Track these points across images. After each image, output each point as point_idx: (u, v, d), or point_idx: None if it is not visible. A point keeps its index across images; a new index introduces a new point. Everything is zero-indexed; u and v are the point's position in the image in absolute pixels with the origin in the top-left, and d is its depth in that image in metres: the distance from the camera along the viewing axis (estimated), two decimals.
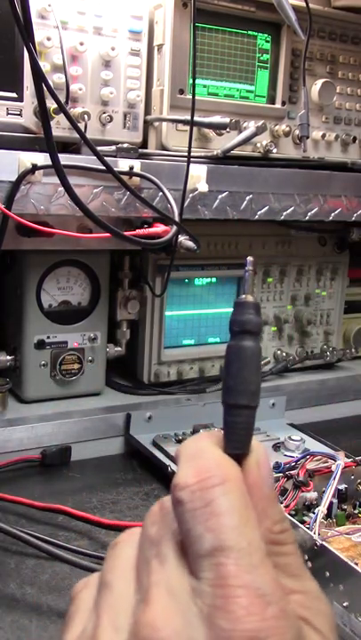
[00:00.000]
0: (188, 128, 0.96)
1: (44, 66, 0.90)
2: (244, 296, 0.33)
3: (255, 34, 1.08)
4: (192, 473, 0.29)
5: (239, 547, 0.27)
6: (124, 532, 0.33)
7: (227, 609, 0.26)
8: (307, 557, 0.71)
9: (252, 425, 0.32)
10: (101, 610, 0.30)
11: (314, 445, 1.04)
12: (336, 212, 1.15)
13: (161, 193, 0.96)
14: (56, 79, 0.93)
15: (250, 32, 1.07)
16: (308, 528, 0.72)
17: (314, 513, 0.76)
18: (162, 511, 0.31)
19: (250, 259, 0.36)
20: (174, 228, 0.97)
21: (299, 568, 0.30)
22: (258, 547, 0.28)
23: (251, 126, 1.05)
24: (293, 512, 0.80)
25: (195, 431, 1.04)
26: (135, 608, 0.28)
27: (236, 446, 0.31)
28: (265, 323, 1.26)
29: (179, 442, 1.03)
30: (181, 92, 1.02)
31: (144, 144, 1.04)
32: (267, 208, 1.08)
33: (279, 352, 1.30)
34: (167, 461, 0.97)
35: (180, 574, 0.28)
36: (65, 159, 0.86)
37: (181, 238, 1.00)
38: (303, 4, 1.04)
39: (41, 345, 1.06)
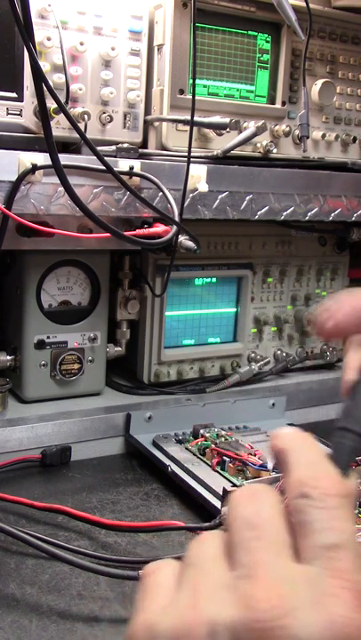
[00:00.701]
0: (188, 128, 0.97)
1: (44, 66, 0.90)
2: None
3: (255, 34, 1.08)
4: (322, 477, 0.32)
5: (354, 550, 0.30)
6: (205, 532, 0.35)
7: (343, 598, 0.28)
8: None
9: (355, 452, 0.36)
10: (195, 584, 0.31)
11: None
12: (336, 212, 1.15)
13: (161, 193, 0.96)
14: (56, 79, 0.93)
15: (250, 32, 1.07)
16: None
17: None
18: (255, 496, 0.33)
19: None
20: (174, 227, 0.97)
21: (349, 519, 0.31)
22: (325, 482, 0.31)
23: (251, 126, 1.05)
24: None
25: (195, 431, 1.04)
26: (236, 583, 0.29)
27: (340, 466, 0.34)
28: (265, 323, 1.26)
29: (179, 442, 1.03)
30: (181, 92, 1.02)
31: (144, 144, 1.04)
32: (267, 208, 1.08)
33: (279, 352, 1.30)
34: (167, 461, 0.97)
35: (286, 556, 0.30)
36: (65, 159, 0.86)
37: (181, 238, 1.00)
38: (303, 4, 1.04)
39: (41, 345, 1.06)
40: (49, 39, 0.91)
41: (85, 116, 0.94)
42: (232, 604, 0.29)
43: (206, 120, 1.02)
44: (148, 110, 1.04)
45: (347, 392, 0.39)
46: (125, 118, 1.01)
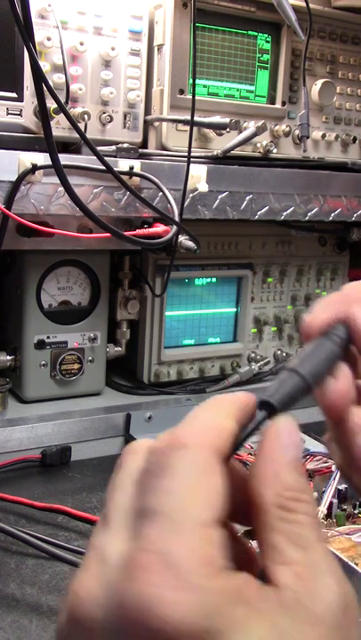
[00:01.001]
0: (188, 128, 0.96)
1: (44, 66, 0.90)
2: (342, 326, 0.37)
3: (255, 34, 1.08)
4: (165, 437, 0.30)
5: (165, 511, 0.27)
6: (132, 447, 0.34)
7: (143, 568, 0.26)
8: None
9: (297, 397, 0.34)
10: (106, 514, 0.30)
11: (314, 445, 1.04)
12: (336, 212, 1.15)
13: (161, 193, 0.96)
14: (56, 79, 0.93)
15: (250, 32, 1.07)
16: None
17: None
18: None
19: None
20: (174, 227, 0.97)
21: (308, 540, 0.29)
22: (191, 516, 0.27)
23: (251, 126, 1.05)
24: None
25: None
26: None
27: (273, 397, 0.33)
28: (265, 323, 1.26)
29: None
30: (181, 92, 1.02)
31: (144, 144, 1.04)
32: (267, 208, 1.08)
33: (279, 352, 1.30)
34: None
35: (125, 528, 0.28)
36: (65, 159, 0.86)
37: (181, 238, 1.00)
38: (303, 4, 1.04)
39: (41, 345, 1.06)
40: (49, 39, 0.91)
41: (85, 116, 0.94)
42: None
43: (206, 120, 1.02)
44: (148, 110, 1.04)
45: (306, 337, 0.37)
46: (125, 118, 1.01)
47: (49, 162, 0.82)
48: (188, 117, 0.96)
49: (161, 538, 0.26)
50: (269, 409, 0.33)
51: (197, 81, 1.04)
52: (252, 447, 0.99)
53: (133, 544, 0.27)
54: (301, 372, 0.34)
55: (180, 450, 0.29)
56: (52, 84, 0.84)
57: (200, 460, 0.29)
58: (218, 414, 0.32)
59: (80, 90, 0.96)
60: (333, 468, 0.83)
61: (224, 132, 1.03)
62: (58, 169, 0.82)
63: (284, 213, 1.10)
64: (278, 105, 1.12)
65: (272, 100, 1.12)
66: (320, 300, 0.38)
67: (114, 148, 0.96)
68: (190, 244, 1.00)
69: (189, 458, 0.29)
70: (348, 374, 0.37)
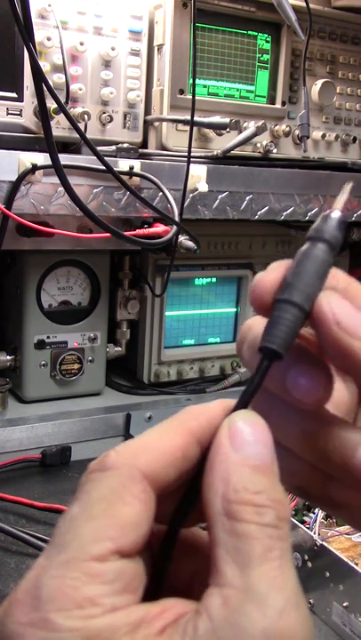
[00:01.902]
0: (188, 128, 0.96)
1: (44, 66, 0.90)
2: (329, 210, 0.32)
3: (255, 34, 1.08)
4: (100, 456, 0.28)
5: (59, 542, 0.25)
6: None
7: (17, 602, 0.24)
8: (307, 557, 0.71)
9: (296, 329, 0.29)
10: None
11: None
12: None
13: (161, 193, 0.96)
14: (56, 79, 0.93)
15: (250, 32, 1.07)
16: (308, 528, 0.72)
17: (314, 513, 0.76)
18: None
19: (350, 183, 0.35)
20: (174, 228, 0.97)
21: (250, 557, 0.25)
22: (81, 549, 0.25)
23: (251, 126, 1.05)
24: (293, 512, 0.80)
25: None
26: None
27: (272, 340, 0.28)
28: None
29: None
30: (181, 92, 1.02)
31: (144, 144, 1.04)
32: (267, 208, 1.08)
33: None
34: None
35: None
36: (65, 159, 0.86)
37: (181, 238, 1.00)
38: (303, 4, 1.04)
39: (41, 345, 1.06)
40: (49, 39, 0.91)
41: (85, 116, 0.94)
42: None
43: (206, 120, 1.01)
44: (148, 110, 1.04)
45: (258, 304, 0.31)
46: (125, 118, 1.01)
47: (49, 162, 0.82)
48: (188, 117, 0.96)
49: (43, 571, 0.25)
50: (273, 354, 0.28)
51: (197, 81, 1.04)
52: None
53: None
54: (295, 299, 0.29)
55: (99, 473, 0.27)
56: (52, 84, 0.84)
57: (113, 486, 0.27)
58: (162, 433, 0.29)
59: (80, 90, 0.96)
60: None
61: (224, 131, 1.03)
62: (58, 169, 0.82)
63: (284, 213, 1.10)
64: (278, 105, 1.12)
65: (272, 100, 1.12)
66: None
67: (114, 147, 0.96)
68: (190, 244, 1.00)
69: (104, 483, 0.27)
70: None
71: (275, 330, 0.28)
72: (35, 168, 0.86)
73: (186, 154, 0.96)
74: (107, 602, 0.24)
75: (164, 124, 1.02)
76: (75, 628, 0.23)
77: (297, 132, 1.12)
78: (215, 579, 0.25)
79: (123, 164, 0.94)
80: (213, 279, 1.20)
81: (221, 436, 0.28)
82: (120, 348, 1.17)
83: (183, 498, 0.29)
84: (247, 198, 1.05)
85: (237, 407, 0.29)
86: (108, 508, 0.26)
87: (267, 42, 1.09)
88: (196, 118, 0.96)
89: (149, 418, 1.07)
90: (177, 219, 0.96)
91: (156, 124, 1.03)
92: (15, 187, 0.86)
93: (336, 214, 0.32)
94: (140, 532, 0.26)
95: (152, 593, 0.28)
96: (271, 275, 0.32)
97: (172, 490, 0.29)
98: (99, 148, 0.87)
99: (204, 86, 1.05)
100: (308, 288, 0.30)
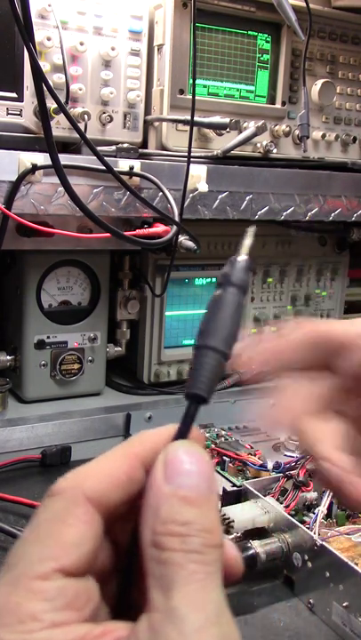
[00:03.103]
0: (188, 128, 0.96)
1: (44, 66, 0.90)
2: (235, 255, 0.34)
3: (255, 34, 1.08)
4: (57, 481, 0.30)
5: (10, 561, 0.28)
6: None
7: None
8: (307, 557, 0.71)
9: (217, 372, 0.31)
10: None
11: None
12: (336, 212, 1.15)
13: (161, 193, 0.96)
14: (56, 79, 0.93)
15: (250, 32, 1.07)
16: (308, 528, 0.72)
17: (314, 513, 0.76)
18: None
19: (252, 227, 0.37)
20: (174, 228, 0.97)
21: (172, 582, 0.26)
22: (26, 567, 0.27)
23: (251, 126, 1.05)
24: (293, 512, 0.80)
25: None
26: None
27: (197, 386, 0.30)
28: (265, 323, 1.26)
29: None
30: (181, 92, 1.02)
31: (144, 144, 1.04)
32: (267, 208, 1.08)
33: None
34: None
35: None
36: (65, 159, 0.86)
37: (181, 238, 1.00)
38: (303, 4, 1.04)
39: (41, 345, 1.06)
40: (49, 39, 0.91)
41: (85, 116, 0.94)
42: None
43: (206, 120, 1.01)
44: (148, 110, 1.04)
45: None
46: (125, 118, 1.01)
47: (49, 162, 0.82)
48: (188, 117, 0.96)
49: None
50: (198, 399, 0.30)
51: (197, 81, 1.04)
52: (251, 447, 0.99)
53: None
54: (213, 344, 0.31)
55: (48, 498, 0.29)
56: (52, 84, 0.84)
57: (58, 509, 0.29)
58: (108, 458, 0.31)
59: (80, 90, 0.96)
60: None
61: (224, 132, 1.03)
62: (58, 169, 0.82)
63: (284, 213, 1.10)
64: (278, 105, 1.12)
65: (272, 100, 1.12)
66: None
67: (114, 147, 0.96)
68: (190, 244, 1.00)
69: (50, 507, 0.29)
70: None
71: (198, 376, 0.30)
72: (35, 168, 0.86)
73: (186, 154, 0.96)
74: (46, 618, 0.26)
75: (164, 123, 1.02)
76: None
77: (297, 132, 1.12)
78: (146, 605, 0.26)
79: (123, 164, 0.94)
80: (213, 279, 1.20)
81: (157, 466, 0.29)
82: (120, 348, 1.17)
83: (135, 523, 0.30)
84: (247, 198, 1.05)
85: (176, 438, 0.30)
86: (52, 530, 0.28)
87: (267, 42, 1.09)
88: (196, 118, 0.96)
89: (149, 418, 1.07)
90: (177, 219, 0.96)
91: (156, 123, 1.03)
92: (15, 187, 0.86)
93: (242, 258, 0.34)
94: (83, 551, 0.28)
95: (117, 612, 0.30)
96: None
97: (124, 510, 0.30)
98: (99, 148, 0.87)
99: (204, 86, 1.05)
100: (225, 332, 0.31)
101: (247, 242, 0.34)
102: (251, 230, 0.36)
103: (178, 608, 0.26)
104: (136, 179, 0.95)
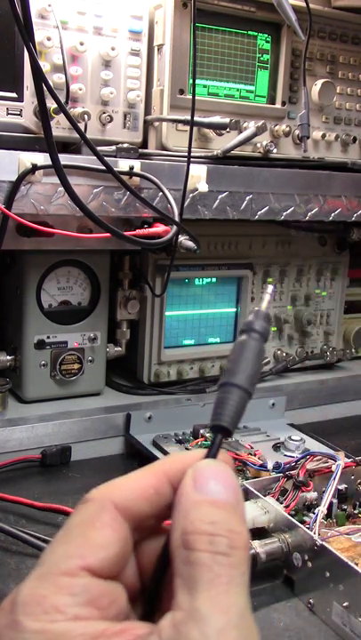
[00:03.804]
0: (188, 128, 0.96)
1: (44, 66, 0.90)
2: (258, 308, 0.38)
3: (255, 34, 1.08)
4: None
5: (43, 558, 0.30)
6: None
7: (2, 606, 0.29)
8: (307, 557, 0.71)
9: (242, 407, 0.34)
10: None
11: (314, 445, 1.04)
12: (336, 212, 1.15)
13: (161, 193, 0.96)
14: (56, 79, 0.93)
15: (250, 32, 1.07)
16: (308, 528, 0.72)
17: (314, 513, 0.76)
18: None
19: (272, 287, 0.42)
20: (174, 228, 0.97)
21: (197, 582, 0.27)
22: (53, 564, 0.29)
23: (251, 126, 1.05)
24: (293, 512, 0.80)
25: (195, 431, 1.04)
26: None
27: (223, 419, 0.33)
28: None
29: (179, 442, 1.03)
30: (181, 92, 1.02)
31: (144, 144, 1.04)
32: (267, 208, 1.08)
33: (279, 352, 1.30)
34: None
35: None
36: (65, 159, 0.86)
37: (181, 238, 1.00)
38: (303, 4, 1.04)
39: (41, 345, 1.06)
40: (49, 39, 0.91)
41: (85, 116, 0.94)
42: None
43: (206, 120, 1.01)
44: (148, 110, 1.04)
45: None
46: (125, 118, 1.01)
47: (49, 162, 0.82)
48: (188, 117, 0.96)
49: (24, 583, 0.29)
50: (223, 430, 0.33)
51: (197, 81, 1.04)
52: (251, 447, 0.99)
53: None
54: (239, 383, 0.34)
55: (80, 505, 0.32)
56: (52, 84, 0.84)
57: (88, 514, 0.31)
58: (138, 473, 0.33)
59: (80, 90, 0.96)
60: (333, 468, 0.83)
61: (224, 132, 1.03)
62: (58, 169, 0.82)
63: (284, 213, 1.10)
64: (278, 105, 1.12)
65: (272, 100, 1.12)
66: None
67: (114, 147, 0.96)
68: (190, 244, 1.00)
69: (81, 512, 0.31)
70: None
71: (225, 409, 0.33)
72: (35, 168, 0.86)
73: (186, 154, 0.96)
74: (69, 611, 0.28)
75: (164, 123, 1.02)
76: (38, 630, 0.27)
77: (297, 132, 1.12)
78: (172, 604, 0.28)
79: (123, 164, 0.94)
80: (213, 279, 1.20)
81: (186, 478, 0.31)
82: (120, 348, 1.17)
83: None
84: (247, 198, 1.05)
85: (205, 457, 0.33)
86: (80, 532, 0.30)
87: (267, 42, 1.09)
88: (196, 118, 0.96)
89: (149, 418, 1.07)
90: (177, 219, 0.96)
91: (156, 123, 1.03)
92: (15, 187, 0.86)
93: (264, 311, 0.38)
94: (109, 553, 0.30)
95: (145, 616, 0.32)
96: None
97: (151, 524, 0.33)
98: (99, 148, 0.87)
99: (204, 86, 1.05)
100: (249, 372, 0.35)
101: (267, 297, 0.39)
102: (271, 288, 0.41)
103: (202, 609, 0.27)
104: (136, 179, 0.95)
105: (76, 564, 0.29)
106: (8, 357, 1.08)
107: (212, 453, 0.33)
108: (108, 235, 0.91)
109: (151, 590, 0.33)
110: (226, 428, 0.33)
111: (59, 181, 0.83)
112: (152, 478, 0.33)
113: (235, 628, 0.27)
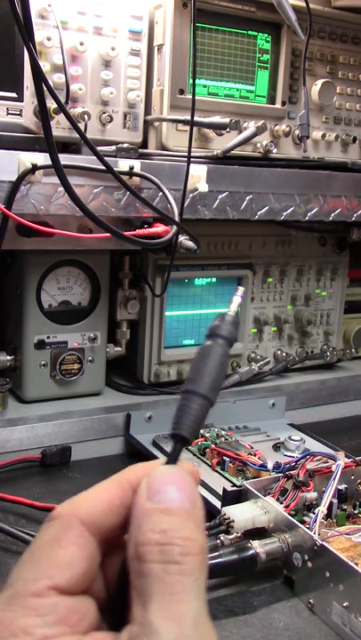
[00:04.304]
0: (188, 128, 0.96)
1: (44, 66, 0.90)
2: (226, 311, 0.37)
3: (255, 34, 1.08)
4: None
5: (10, 580, 0.30)
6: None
7: None
8: (307, 557, 0.71)
9: (202, 416, 0.34)
10: None
11: (314, 445, 1.04)
12: (336, 212, 1.15)
13: (161, 193, 0.96)
14: (56, 79, 0.93)
15: (250, 32, 1.07)
16: (308, 528, 0.72)
17: (314, 513, 0.76)
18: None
19: (242, 289, 0.41)
20: (174, 228, 0.97)
21: (148, 594, 0.27)
22: (21, 586, 0.29)
23: (251, 126, 1.05)
24: (293, 512, 0.79)
25: None
26: None
27: (182, 428, 0.33)
28: (265, 323, 1.26)
29: None
30: (181, 92, 1.02)
31: (144, 144, 1.04)
32: (267, 208, 1.08)
33: (279, 352, 1.30)
34: None
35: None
36: (65, 159, 0.86)
37: (181, 238, 1.00)
38: (303, 4, 1.04)
39: (41, 345, 1.06)
40: (49, 39, 0.91)
41: (85, 116, 0.94)
42: None
43: (206, 120, 1.01)
44: (148, 110, 1.04)
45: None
46: (125, 118, 1.01)
47: (49, 162, 0.82)
48: (188, 117, 0.96)
49: None
50: (182, 439, 0.33)
51: (197, 81, 1.04)
52: (251, 447, 0.99)
53: None
54: (200, 390, 0.34)
55: (46, 523, 0.32)
56: (52, 84, 0.84)
57: (53, 533, 0.31)
58: (101, 486, 0.33)
59: (80, 90, 0.96)
60: (333, 468, 0.83)
61: (224, 132, 1.03)
62: (58, 169, 0.82)
63: (284, 213, 1.10)
64: (278, 105, 1.12)
65: (272, 100, 1.12)
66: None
67: (114, 148, 0.96)
68: (190, 244, 1.00)
69: (46, 531, 0.31)
70: None
71: (184, 418, 0.33)
72: (35, 168, 0.86)
73: (186, 154, 0.96)
74: (38, 632, 0.28)
75: (164, 123, 1.02)
76: None
77: (297, 132, 1.12)
78: (130, 617, 0.28)
79: (123, 164, 0.94)
80: (213, 279, 1.20)
81: (140, 487, 0.31)
82: (120, 348, 1.17)
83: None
84: (247, 198, 1.05)
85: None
86: (46, 552, 0.30)
87: (267, 42, 1.09)
88: (196, 118, 0.96)
89: (149, 418, 1.07)
90: (177, 219, 0.96)
91: (156, 123, 1.03)
92: (15, 187, 0.86)
93: (231, 314, 0.37)
94: (76, 570, 0.30)
95: (113, 627, 0.31)
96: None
97: (119, 535, 0.32)
98: (99, 148, 0.87)
99: (204, 86, 1.05)
100: (211, 380, 0.34)
101: (237, 300, 0.38)
102: (241, 290, 0.39)
103: (154, 621, 0.27)
104: (136, 179, 0.95)
105: (44, 584, 0.29)
106: (8, 357, 1.08)
107: (170, 462, 0.33)
108: (108, 235, 0.91)
109: (115, 603, 0.32)
110: (185, 438, 0.33)
111: (59, 181, 0.83)
112: (117, 490, 0.33)
113: (187, 637, 0.27)
